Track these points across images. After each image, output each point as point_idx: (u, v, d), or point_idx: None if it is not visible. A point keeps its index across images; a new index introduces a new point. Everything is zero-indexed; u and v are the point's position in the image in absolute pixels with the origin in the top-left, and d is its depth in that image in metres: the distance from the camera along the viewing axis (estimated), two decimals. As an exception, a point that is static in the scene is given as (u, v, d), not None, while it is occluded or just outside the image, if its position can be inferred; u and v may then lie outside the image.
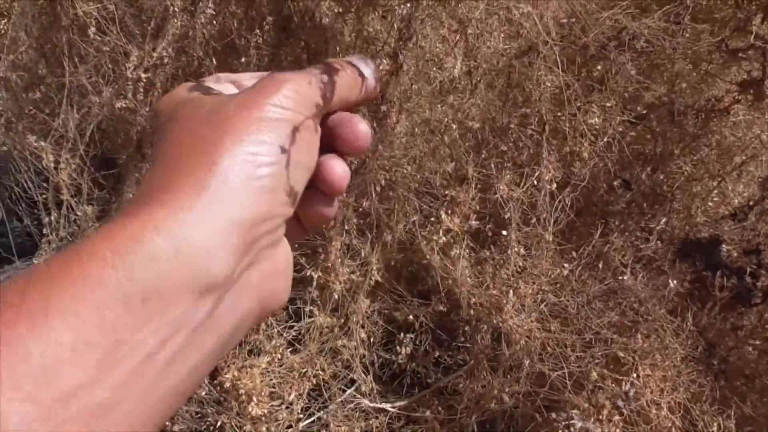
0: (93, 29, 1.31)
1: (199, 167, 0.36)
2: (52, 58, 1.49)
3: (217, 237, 0.34)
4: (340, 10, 1.03)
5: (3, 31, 1.48)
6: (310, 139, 0.43)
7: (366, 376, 0.91)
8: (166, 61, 1.19)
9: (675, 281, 0.80)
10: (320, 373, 0.87)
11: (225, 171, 0.36)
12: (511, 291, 0.83)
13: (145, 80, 1.21)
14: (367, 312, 0.91)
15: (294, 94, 0.42)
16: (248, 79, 0.46)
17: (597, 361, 0.78)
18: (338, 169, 0.46)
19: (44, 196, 1.35)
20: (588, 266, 0.88)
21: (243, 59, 1.13)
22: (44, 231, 1.33)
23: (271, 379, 0.89)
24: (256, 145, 0.38)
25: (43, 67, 1.54)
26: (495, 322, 0.84)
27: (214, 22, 1.17)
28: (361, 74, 0.48)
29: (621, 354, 0.77)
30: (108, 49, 1.31)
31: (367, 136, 0.47)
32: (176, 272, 0.32)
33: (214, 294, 0.34)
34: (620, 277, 0.83)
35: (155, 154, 0.40)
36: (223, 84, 0.45)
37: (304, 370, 0.89)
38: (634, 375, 0.75)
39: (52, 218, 1.33)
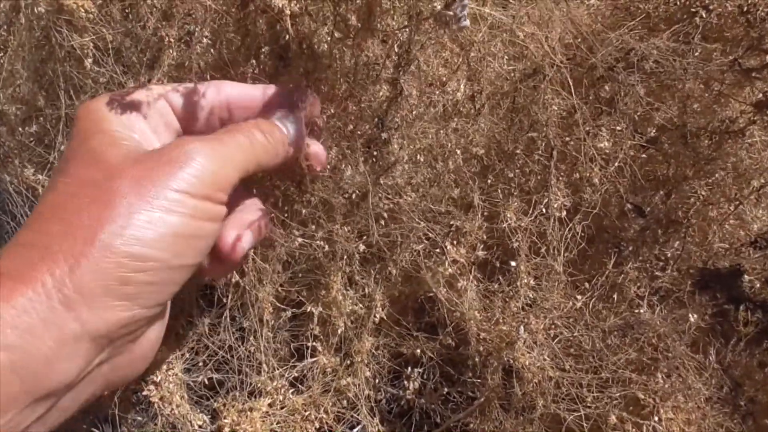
0: (89, 61, 1.29)
1: (65, 255, 0.31)
2: (50, 90, 1.47)
3: (63, 348, 0.30)
4: (339, 36, 1.00)
5: (0, 64, 1.46)
6: (208, 228, 0.37)
7: (372, 418, 0.87)
8: (162, 91, 1.16)
9: (695, 315, 0.76)
10: (324, 416, 0.83)
11: (88, 272, 0.31)
12: (522, 326, 0.79)
13: (141, 111, 1.17)
14: (371, 350, 0.87)
15: (202, 174, 0.36)
16: (180, 95, 0.42)
17: (615, 402, 0.74)
18: (238, 244, 0.43)
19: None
20: (602, 298, 0.84)
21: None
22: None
23: (272, 423, 0.86)
24: (137, 242, 0.32)
25: (41, 99, 1.52)
26: (506, 359, 0.80)
27: (211, 51, 1.14)
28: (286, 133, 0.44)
29: (641, 395, 0.73)
30: (105, 80, 1.29)
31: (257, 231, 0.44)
32: (9, 383, 0.28)
33: (50, 400, 0.30)
34: (637, 310, 0.79)
35: (52, 185, 0.36)
36: (154, 104, 0.41)
37: (308, 412, 0.85)
38: (656, 418, 0.71)
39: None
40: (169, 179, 0.35)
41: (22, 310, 0.30)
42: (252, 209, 0.45)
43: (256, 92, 0.48)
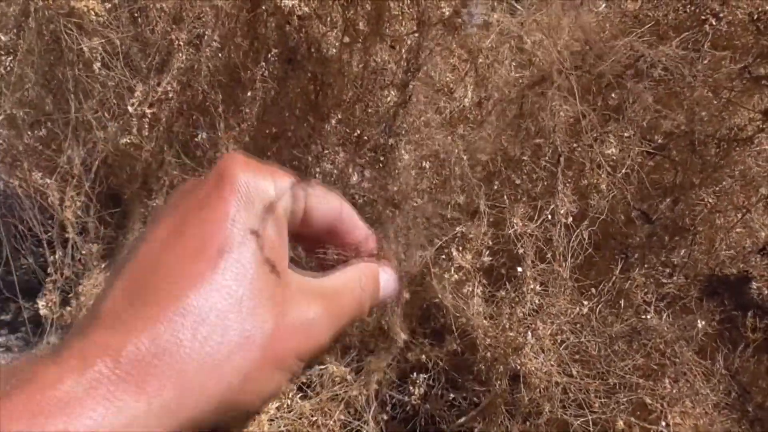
0: (98, 64, 1.30)
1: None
2: (59, 94, 1.48)
3: None
4: (347, 41, 1.00)
5: (10, 68, 1.47)
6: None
7: (376, 425, 0.87)
8: (171, 95, 1.17)
9: (703, 321, 0.76)
10: (331, 423, 0.83)
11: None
12: (529, 332, 0.79)
13: (150, 115, 1.18)
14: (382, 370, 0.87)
15: (316, 350, 0.35)
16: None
17: (623, 407, 0.73)
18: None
19: (49, 234, 1.33)
20: (608, 304, 0.84)
21: (249, 93, 1.11)
22: (49, 270, 1.30)
23: (280, 427, 0.85)
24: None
25: (49, 103, 1.53)
26: (512, 364, 0.79)
27: (220, 54, 1.15)
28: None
29: (648, 400, 0.73)
30: (113, 84, 1.30)
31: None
32: None
33: None
34: (643, 316, 0.78)
35: (132, 254, 0.34)
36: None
37: (315, 418, 0.85)
38: (663, 423, 0.71)
39: (57, 257, 1.30)
40: (289, 354, 0.35)
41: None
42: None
43: (362, 234, 0.45)
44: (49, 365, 0.29)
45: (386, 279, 0.43)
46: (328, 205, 0.41)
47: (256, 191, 0.35)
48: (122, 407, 0.29)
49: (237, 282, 0.33)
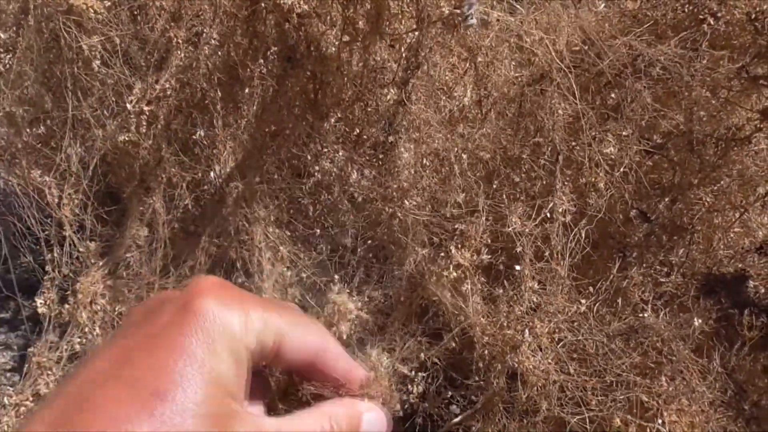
0: (97, 62, 1.30)
1: None
2: (58, 92, 1.48)
3: None
4: (347, 39, 1.01)
5: (9, 66, 1.47)
6: None
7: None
8: (169, 93, 1.17)
9: (700, 319, 0.76)
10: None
11: None
12: (527, 330, 0.79)
13: (148, 113, 1.19)
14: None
15: None
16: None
17: (619, 405, 0.73)
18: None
19: (46, 232, 1.32)
20: (606, 302, 0.84)
21: (247, 91, 1.11)
22: (47, 268, 1.30)
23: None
24: None
25: (48, 101, 1.53)
26: (510, 363, 0.80)
27: (219, 52, 1.15)
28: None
29: (645, 398, 0.73)
30: (112, 81, 1.30)
31: None
32: None
33: None
34: (641, 315, 0.79)
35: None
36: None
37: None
38: (660, 421, 0.71)
39: (55, 255, 1.30)
40: None
41: None
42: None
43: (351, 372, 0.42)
44: None
45: (371, 419, 0.39)
46: (307, 337, 0.37)
47: (221, 325, 0.32)
48: None
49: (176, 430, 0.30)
